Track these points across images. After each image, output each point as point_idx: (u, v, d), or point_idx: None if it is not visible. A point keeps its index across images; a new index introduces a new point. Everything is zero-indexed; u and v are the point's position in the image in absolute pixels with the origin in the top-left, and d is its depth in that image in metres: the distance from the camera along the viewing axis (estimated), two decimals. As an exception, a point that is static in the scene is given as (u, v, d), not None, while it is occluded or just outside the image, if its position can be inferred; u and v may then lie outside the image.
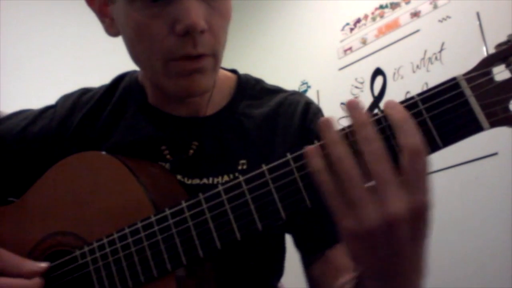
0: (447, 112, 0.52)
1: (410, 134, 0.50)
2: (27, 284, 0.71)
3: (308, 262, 0.82)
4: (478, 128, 0.51)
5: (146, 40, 0.71)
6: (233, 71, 0.93)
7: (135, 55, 0.77)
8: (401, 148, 0.50)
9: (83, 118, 0.87)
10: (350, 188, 0.51)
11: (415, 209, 0.49)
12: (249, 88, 0.89)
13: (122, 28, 0.76)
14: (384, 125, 0.53)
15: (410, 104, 0.53)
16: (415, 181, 0.49)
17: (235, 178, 0.62)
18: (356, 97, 2.76)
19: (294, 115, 0.84)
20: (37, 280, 0.72)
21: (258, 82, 0.92)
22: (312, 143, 0.56)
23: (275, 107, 0.86)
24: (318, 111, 0.87)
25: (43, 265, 0.74)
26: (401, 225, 0.49)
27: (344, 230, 0.52)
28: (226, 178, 0.79)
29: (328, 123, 0.54)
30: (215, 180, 0.79)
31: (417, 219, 0.50)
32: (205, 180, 0.79)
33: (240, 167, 0.80)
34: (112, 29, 0.79)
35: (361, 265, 0.56)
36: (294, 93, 0.90)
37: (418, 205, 0.49)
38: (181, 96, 0.79)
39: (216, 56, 0.75)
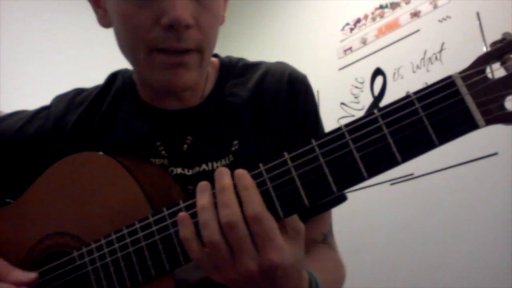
0: (443, 110, 0.52)
1: (249, 202, 0.57)
2: None
3: None
4: (474, 126, 0.51)
5: (132, 30, 0.73)
6: (215, 56, 0.93)
7: (122, 46, 0.78)
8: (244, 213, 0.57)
9: (78, 119, 0.87)
10: (210, 252, 0.58)
11: (265, 267, 0.56)
12: (232, 67, 0.90)
13: (112, 19, 0.78)
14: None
15: (406, 102, 0.53)
16: (261, 243, 0.56)
17: (231, 164, 0.64)
18: (356, 97, 2.76)
19: (280, 85, 0.85)
20: None
21: (240, 59, 0.92)
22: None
23: (259, 79, 0.86)
24: (304, 79, 0.88)
25: (32, 275, 0.73)
26: (255, 279, 0.57)
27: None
28: (223, 161, 0.81)
29: (201, 188, 0.61)
30: (215, 165, 0.80)
31: (269, 276, 0.57)
32: (204, 166, 0.81)
33: (233, 148, 0.81)
34: (104, 20, 0.81)
35: None
36: (277, 62, 0.91)
37: (268, 264, 0.56)
38: (164, 90, 0.79)
39: (202, 53, 0.75)
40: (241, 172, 0.59)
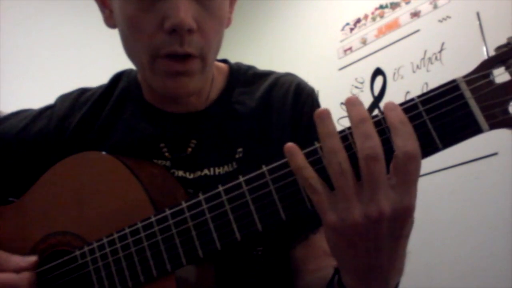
0: (447, 114, 0.52)
1: (407, 137, 0.50)
2: (14, 279, 0.71)
3: (291, 245, 0.83)
4: (477, 130, 0.51)
5: (136, 34, 0.73)
6: (224, 61, 0.93)
7: (127, 49, 0.78)
8: (396, 149, 0.50)
9: (82, 119, 0.87)
10: (339, 183, 0.51)
11: (399, 210, 0.50)
12: (241, 75, 0.89)
13: (117, 20, 0.77)
14: (383, 126, 0.53)
15: (410, 106, 0.53)
16: (405, 184, 0.51)
17: (234, 171, 0.61)
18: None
19: (286, 97, 0.85)
20: (25, 275, 0.72)
21: (250, 68, 0.92)
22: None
23: (267, 89, 0.86)
24: (311, 92, 0.88)
25: (31, 259, 0.73)
26: (383, 224, 0.51)
27: (326, 224, 0.53)
28: (226, 168, 0.80)
29: (323, 115, 0.54)
30: (217, 171, 0.80)
31: (400, 219, 0.51)
32: (206, 171, 0.80)
33: (237, 156, 0.81)
34: (110, 21, 0.81)
35: (340, 259, 0.57)
36: (286, 74, 0.91)
37: (403, 207, 0.51)
38: (168, 96, 0.79)
39: (204, 59, 0.75)
40: (393, 104, 0.53)
